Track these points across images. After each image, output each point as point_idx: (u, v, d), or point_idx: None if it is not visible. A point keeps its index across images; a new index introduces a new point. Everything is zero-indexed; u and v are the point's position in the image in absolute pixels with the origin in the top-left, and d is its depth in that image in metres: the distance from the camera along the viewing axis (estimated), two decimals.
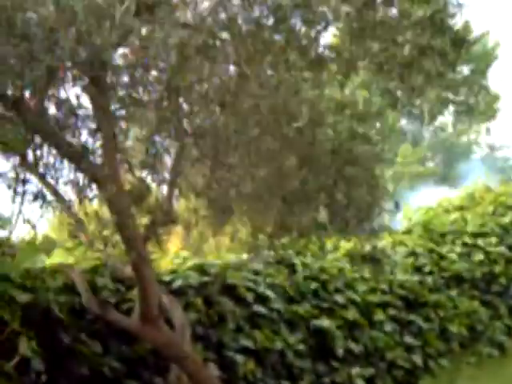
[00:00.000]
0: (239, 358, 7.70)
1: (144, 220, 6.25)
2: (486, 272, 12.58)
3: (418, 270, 11.85)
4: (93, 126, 4.94)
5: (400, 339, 10.54)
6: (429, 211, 13.71)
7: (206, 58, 5.04)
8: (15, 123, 4.66)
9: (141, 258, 4.94)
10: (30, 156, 5.29)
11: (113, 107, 5.20)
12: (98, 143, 5.02)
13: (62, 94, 4.79)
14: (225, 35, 4.78)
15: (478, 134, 32.37)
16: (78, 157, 4.79)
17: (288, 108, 5.06)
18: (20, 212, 4.75)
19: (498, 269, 12.63)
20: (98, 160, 4.97)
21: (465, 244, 12.81)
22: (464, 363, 11.29)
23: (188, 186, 6.22)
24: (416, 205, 14.41)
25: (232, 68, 5.38)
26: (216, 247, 11.10)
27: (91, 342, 6.31)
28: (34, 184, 5.02)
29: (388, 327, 10.33)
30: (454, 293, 12.06)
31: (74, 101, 4.83)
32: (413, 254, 12.03)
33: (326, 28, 4.98)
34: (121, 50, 5.04)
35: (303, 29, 4.95)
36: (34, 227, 4.87)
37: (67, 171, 5.06)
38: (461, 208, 13.95)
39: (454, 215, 13.42)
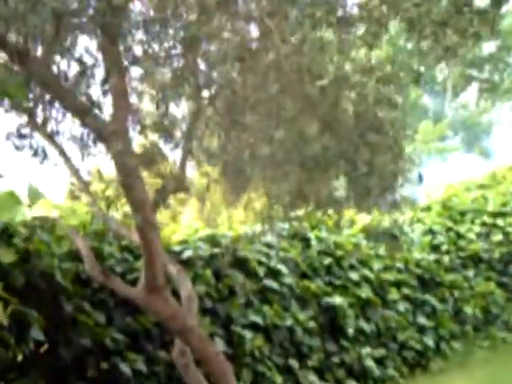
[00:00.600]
0: (247, 333, 7.44)
1: (154, 185, 5.98)
2: (504, 252, 12.29)
3: (435, 248, 11.57)
4: (102, 78, 4.62)
5: (413, 319, 10.30)
6: (449, 188, 13.37)
7: (227, 13, 4.72)
8: (19, 74, 4.35)
9: (147, 223, 4.64)
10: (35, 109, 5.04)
11: (125, 62, 4.89)
12: (107, 98, 4.71)
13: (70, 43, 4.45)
14: None
15: (502, 112, 31.77)
16: (83, 111, 4.48)
17: (312, 66, 4.72)
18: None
19: None
20: (106, 116, 4.66)
21: (484, 224, 12.50)
22: (477, 347, 11.04)
23: (202, 150, 5.91)
24: (435, 181, 14.09)
25: (254, 24, 5.05)
26: (229, 219, 10.80)
27: (94, 312, 6.06)
28: (34, 139, 4.72)
29: (401, 307, 10.08)
30: (470, 273, 11.80)
31: (82, 50, 4.51)
32: (430, 232, 11.75)
33: None
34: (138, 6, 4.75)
35: None
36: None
37: (71, 126, 4.75)
38: (482, 186, 13.61)
39: (475, 194, 13.09)
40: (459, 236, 12.02)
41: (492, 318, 11.83)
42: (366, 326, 9.28)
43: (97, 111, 4.63)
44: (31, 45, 4.37)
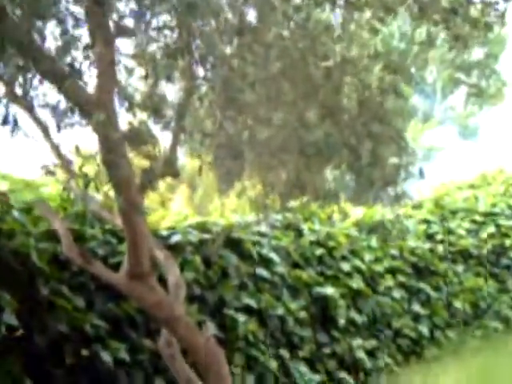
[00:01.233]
0: (240, 316, 6.81)
1: (142, 167, 5.33)
2: (496, 244, 11.75)
3: (429, 237, 11.02)
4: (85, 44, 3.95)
5: (408, 307, 9.73)
6: (441, 187, 12.85)
7: None
8: None
9: (132, 206, 3.98)
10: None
11: (113, 31, 4.22)
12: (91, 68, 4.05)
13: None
14: None
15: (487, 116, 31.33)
16: (62, 77, 3.81)
17: (316, 46, 4.05)
18: None
19: (508, 242, 11.80)
20: (90, 87, 3.99)
21: (474, 221, 11.97)
22: (470, 336, 10.53)
23: (195, 131, 5.26)
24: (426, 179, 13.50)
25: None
26: (221, 207, 10.17)
27: (73, 296, 5.40)
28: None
29: (396, 294, 9.53)
30: (460, 269, 11.25)
31: (64, 12, 3.84)
32: (425, 221, 11.21)
33: None
34: None
35: None
36: None
37: (46, 93, 4.09)
38: (472, 186, 13.12)
39: (466, 193, 12.60)
40: (450, 232, 11.46)
41: (481, 311, 11.31)
42: (358, 317, 8.69)
43: (78, 79, 3.96)
44: (8, 4, 3.70)
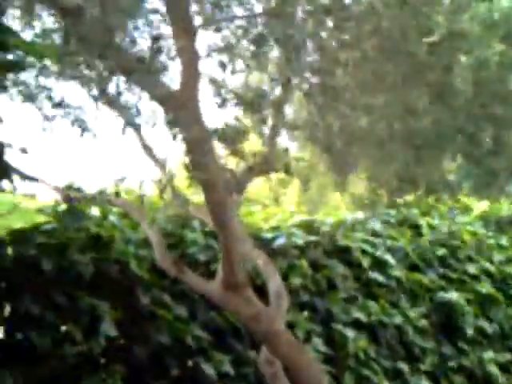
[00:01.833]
0: (349, 332, 6.62)
1: (237, 165, 5.28)
2: None
3: None
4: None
5: None
6: None
7: None
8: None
9: (220, 207, 3.91)
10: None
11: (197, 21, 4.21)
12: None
13: None
14: None
15: None
16: (142, 73, 3.81)
17: (418, 19, 3.81)
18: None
19: None
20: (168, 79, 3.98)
21: None
22: None
23: (293, 124, 5.16)
24: None
25: None
26: (328, 204, 10.00)
27: (175, 306, 5.42)
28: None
29: None
30: None
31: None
32: None
33: None
34: None
35: None
36: None
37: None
38: None
39: None
40: None
41: None
42: (488, 326, 8.19)
43: (162, 76, 3.95)
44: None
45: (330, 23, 3.78)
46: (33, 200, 4.98)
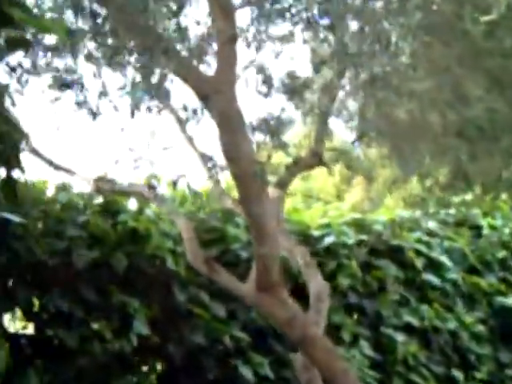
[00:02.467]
0: (399, 336, 6.25)
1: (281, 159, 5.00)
2: None
3: None
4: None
5: None
6: None
7: None
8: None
9: (255, 202, 3.61)
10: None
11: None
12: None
13: None
14: None
15: None
16: (177, 60, 3.55)
17: None
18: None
19: None
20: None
21: None
22: None
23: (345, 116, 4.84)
24: None
25: None
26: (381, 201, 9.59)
27: (213, 304, 5.16)
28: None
29: None
30: None
31: None
32: None
33: None
34: None
35: None
36: None
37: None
38: None
39: None
40: None
41: None
42: None
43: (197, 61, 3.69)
44: None
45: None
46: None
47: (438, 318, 6.71)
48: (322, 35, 4.54)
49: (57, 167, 4.34)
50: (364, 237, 6.48)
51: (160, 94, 4.76)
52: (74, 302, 4.37)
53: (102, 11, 3.94)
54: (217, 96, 3.57)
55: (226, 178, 5.05)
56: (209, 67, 4.04)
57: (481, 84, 3.52)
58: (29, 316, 4.41)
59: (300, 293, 4.60)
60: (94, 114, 3.92)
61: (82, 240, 4.47)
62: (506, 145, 3.83)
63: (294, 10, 4.41)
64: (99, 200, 4.79)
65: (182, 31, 3.75)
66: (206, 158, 4.72)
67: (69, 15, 3.65)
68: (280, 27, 4.65)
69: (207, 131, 4.58)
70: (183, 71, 3.68)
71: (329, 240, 6.18)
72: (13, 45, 2.59)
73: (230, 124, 3.62)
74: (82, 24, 4.03)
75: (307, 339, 3.93)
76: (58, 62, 4.03)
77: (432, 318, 6.66)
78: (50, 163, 4.34)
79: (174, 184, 4.43)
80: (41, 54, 4.08)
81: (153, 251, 4.91)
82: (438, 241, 7.28)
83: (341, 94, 4.99)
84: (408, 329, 6.49)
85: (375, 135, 4.63)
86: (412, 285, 6.79)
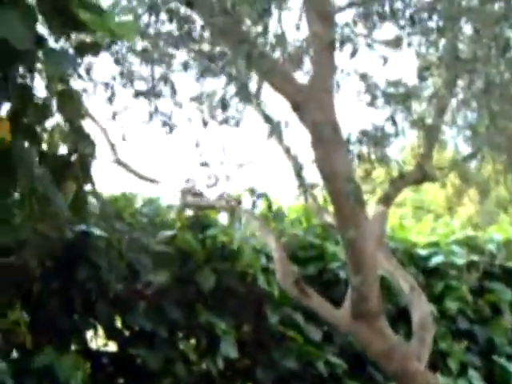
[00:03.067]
0: None
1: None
2: None
3: None
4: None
5: None
6: None
7: None
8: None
9: (351, 220, 3.23)
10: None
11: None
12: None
13: None
14: None
15: None
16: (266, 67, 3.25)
17: None
18: None
19: None
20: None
21: None
22: None
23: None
24: None
25: None
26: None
27: (307, 327, 4.81)
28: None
29: None
30: None
31: None
32: None
33: None
34: None
35: None
36: None
37: None
38: None
39: None
40: None
41: None
42: None
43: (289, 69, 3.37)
44: None
45: None
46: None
47: None
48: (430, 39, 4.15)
49: (142, 178, 4.14)
50: (476, 257, 5.92)
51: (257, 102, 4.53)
52: (157, 321, 4.14)
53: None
54: (310, 105, 3.24)
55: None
56: (305, 75, 3.70)
57: None
58: (110, 333, 4.22)
59: (404, 317, 4.19)
60: (169, 127, 3.69)
61: (168, 256, 4.23)
62: None
63: (400, 12, 4.03)
64: (188, 213, 4.55)
65: (279, 37, 3.43)
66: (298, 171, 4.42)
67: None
68: (385, 31, 4.30)
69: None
70: (277, 79, 3.36)
71: (437, 260, 5.70)
72: (83, 50, 2.38)
73: (324, 136, 3.28)
74: (176, 30, 3.83)
75: (407, 374, 3.52)
76: (144, 70, 3.83)
77: None
78: (136, 174, 4.15)
79: (257, 198, 4.12)
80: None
81: (243, 268, 4.62)
82: None
83: (453, 103, 4.56)
84: None
85: (490, 150, 4.17)
86: None
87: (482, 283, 5.90)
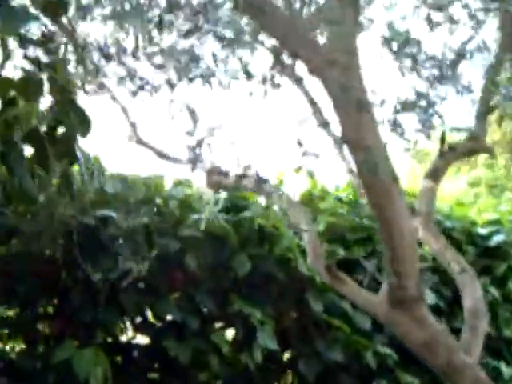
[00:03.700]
0: None
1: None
2: None
3: None
4: None
5: None
6: None
7: None
8: None
9: (385, 198, 2.87)
10: None
11: None
12: None
13: None
14: None
15: None
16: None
17: None
18: None
19: None
20: None
21: None
22: None
23: None
24: None
25: None
26: None
27: (355, 315, 4.48)
28: None
29: None
30: None
31: None
32: None
33: None
34: None
35: None
36: None
37: None
38: None
39: None
40: None
41: None
42: None
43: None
44: None
45: None
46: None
47: None
48: None
49: (166, 158, 3.88)
50: None
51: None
52: (188, 311, 3.89)
53: None
54: (331, 68, 2.89)
55: None
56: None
57: None
58: (138, 325, 4.00)
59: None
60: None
61: (198, 241, 3.96)
62: None
63: None
64: (221, 195, 4.27)
65: None
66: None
67: None
68: None
69: None
70: (293, 41, 3.04)
71: (498, 239, 5.25)
72: (49, 9, 2.15)
73: (349, 102, 2.93)
74: None
75: (452, 368, 3.14)
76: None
77: None
78: (159, 153, 3.90)
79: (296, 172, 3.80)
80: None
81: (282, 253, 4.32)
82: None
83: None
84: None
85: None
86: None
87: None
